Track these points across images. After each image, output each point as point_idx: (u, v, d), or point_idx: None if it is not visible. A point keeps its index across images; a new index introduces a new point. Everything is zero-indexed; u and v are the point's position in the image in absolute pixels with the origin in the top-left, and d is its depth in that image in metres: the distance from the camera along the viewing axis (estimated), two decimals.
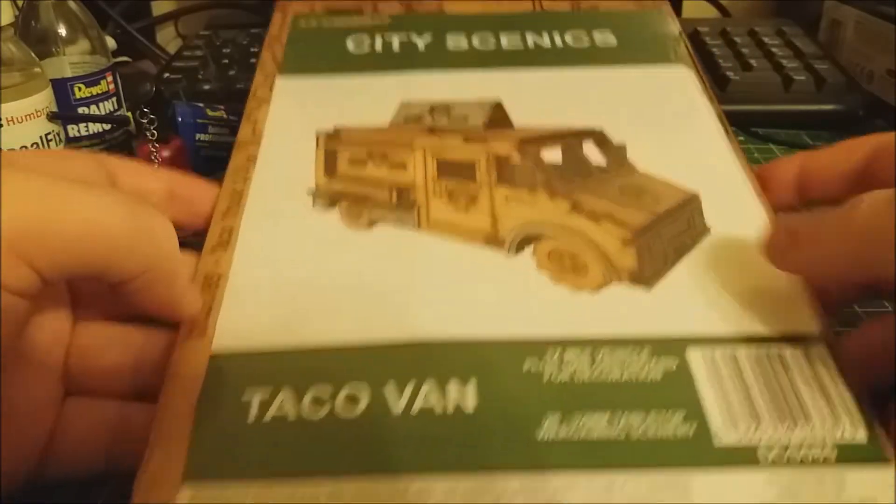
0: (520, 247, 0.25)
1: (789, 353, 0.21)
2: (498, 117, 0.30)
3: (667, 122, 0.30)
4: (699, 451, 0.19)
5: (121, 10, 0.60)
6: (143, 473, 0.19)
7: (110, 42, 0.49)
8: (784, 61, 0.51)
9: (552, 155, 0.28)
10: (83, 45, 0.46)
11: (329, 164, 0.29)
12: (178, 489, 0.18)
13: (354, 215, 0.26)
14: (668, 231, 0.25)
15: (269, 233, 0.26)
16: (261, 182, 0.28)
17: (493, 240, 0.25)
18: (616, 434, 0.19)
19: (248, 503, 0.18)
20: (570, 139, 0.29)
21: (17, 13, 0.45)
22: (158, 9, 0.69)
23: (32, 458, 0.21)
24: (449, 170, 0.27)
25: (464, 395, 0.20)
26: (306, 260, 0.25)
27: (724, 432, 0.19)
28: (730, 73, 0.50)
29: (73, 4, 0.46)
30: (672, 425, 0.19)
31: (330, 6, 0.38)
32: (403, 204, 0.26)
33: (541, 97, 0.32)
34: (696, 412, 0.20)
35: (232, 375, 0.21)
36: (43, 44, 0.45)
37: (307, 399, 0.20)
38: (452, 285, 0.23)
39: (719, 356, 0.21)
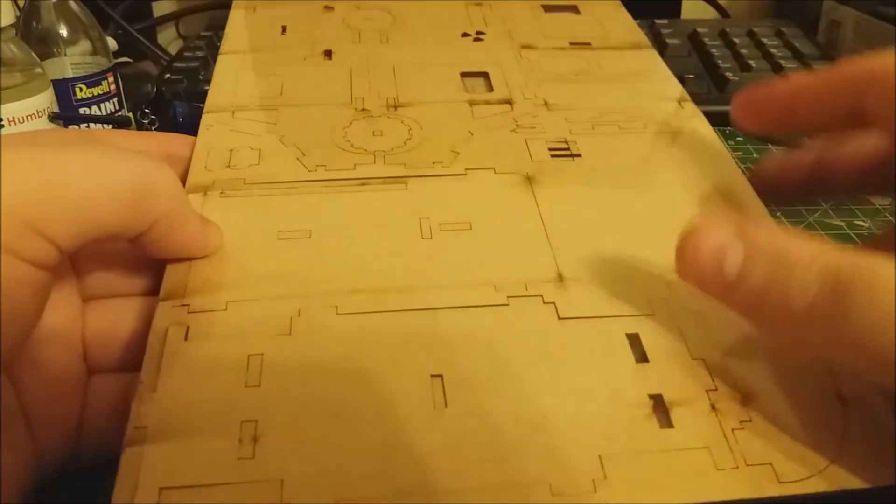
0: None
1: None
2: None
3: None
4: None
5: (122, 11, 0.60)
6: None
7: (111, 43, 0.49)
8: (783, 62, 0.52)
9: None
10: (84, 45, 0.46)
11: None
12: None
13: None
14: None
15: None
16: None
17: None
18: None
19: None
20: None
21: (18, 14, 0.45)
22: (159, 9, 0.69)
23: (67, 440, 0.21)
24: None
25: None
26: None
27: None
28: (729, 74, 0.50)
29: (74, 5, 0.46)
30: None
31: None
32: None
33: None
34: None
35: None
36: (44, 44, 0.45)
37: None
38: None
39: None
